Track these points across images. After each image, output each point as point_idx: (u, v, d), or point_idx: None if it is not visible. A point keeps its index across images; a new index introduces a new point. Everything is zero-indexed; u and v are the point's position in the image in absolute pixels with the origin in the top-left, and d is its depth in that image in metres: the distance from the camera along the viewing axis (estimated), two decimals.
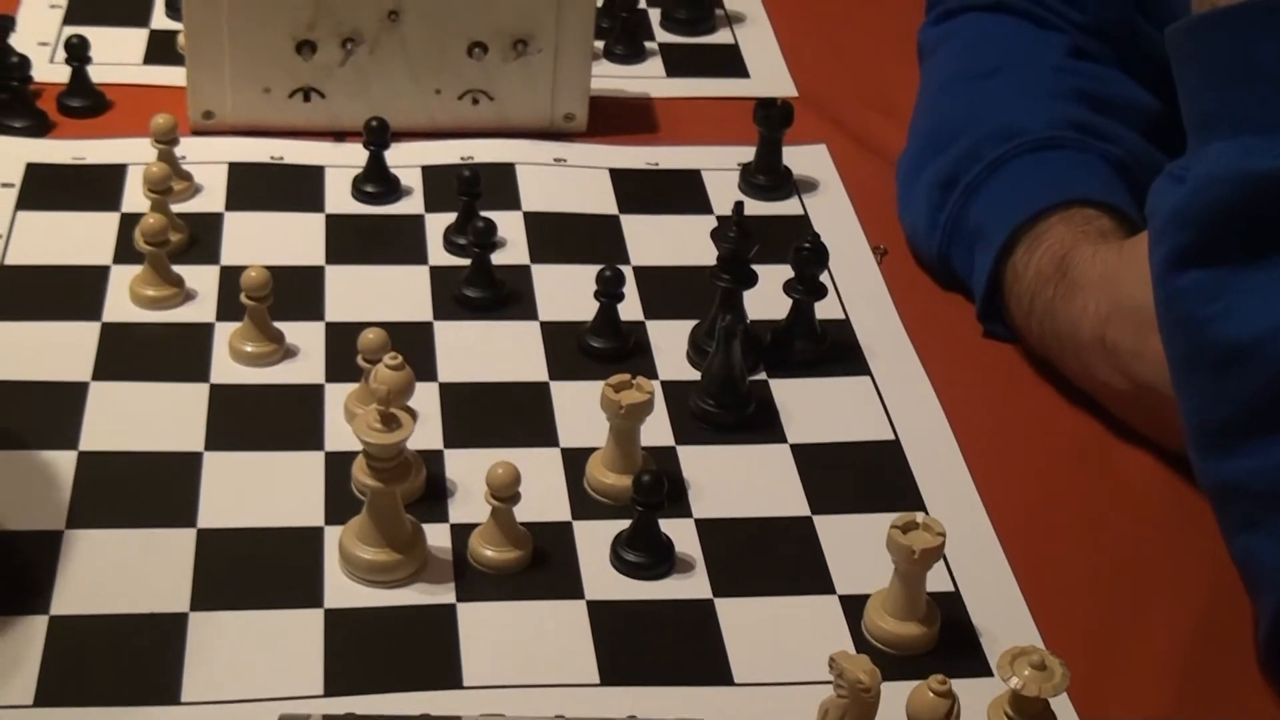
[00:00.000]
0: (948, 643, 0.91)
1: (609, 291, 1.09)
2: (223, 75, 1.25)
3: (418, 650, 0.88)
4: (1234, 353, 0.88)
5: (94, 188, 1.22)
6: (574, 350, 1.11)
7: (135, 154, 1.24)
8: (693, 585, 0.94)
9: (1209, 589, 0.98)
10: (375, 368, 0.95)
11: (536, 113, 1.31)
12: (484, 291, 1.13)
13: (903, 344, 1.16)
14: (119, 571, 0.91)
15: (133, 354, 1.07)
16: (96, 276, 1.13)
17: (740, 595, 0.94)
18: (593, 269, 1.14)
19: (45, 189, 1.21)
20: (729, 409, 1.06)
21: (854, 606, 0.93)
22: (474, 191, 1.17)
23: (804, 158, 1.33)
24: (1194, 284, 0.90)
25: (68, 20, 1.42)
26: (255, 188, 1.24)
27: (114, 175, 1.23)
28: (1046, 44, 1.27)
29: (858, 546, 0.98)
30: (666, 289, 1.19)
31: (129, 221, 1.17)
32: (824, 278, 1.13)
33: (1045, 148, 1.18)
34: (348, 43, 1.24)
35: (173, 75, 1.34)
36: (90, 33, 1.34)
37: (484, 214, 1.17)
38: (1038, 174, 1.17)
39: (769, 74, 1.47)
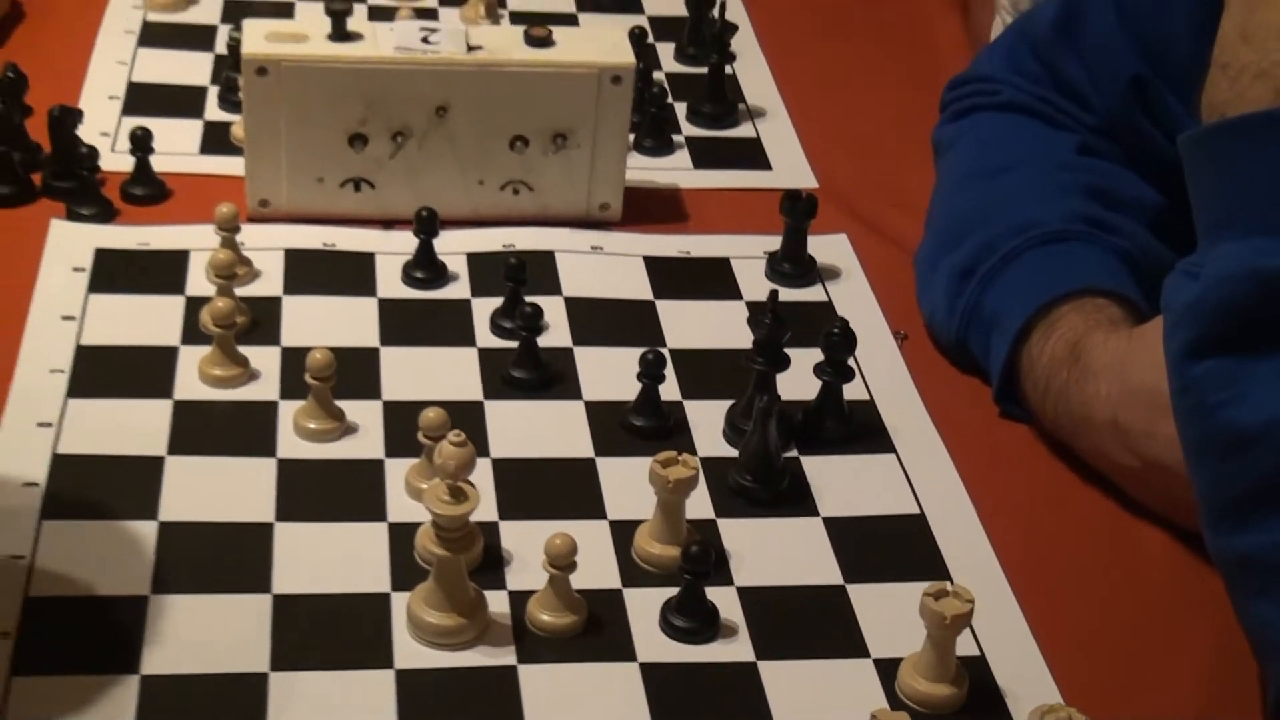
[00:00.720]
0: (975, 702, 0.95)
1: (651, 373, 1.13)
2: (279, 166, 1.28)
3: (484, 709, 0.92)
4: (1244, 437, 0.91)
5: (159, 272, 1.25)
6: (617, 428, 1.14)
7: (197, 240, 1.27)
8: (737, 649, 0.97)
9: (1219, 654, 1.00)
10: (439, 444, 0.97)
11: (574, 203, 1.34)
12: (531, 373, 1.16)
13: (925, 423, 1.19)
14: (203, 633, 0.94)
15: (204, 430, 1.10)
16: (166, 356, 1.16)
17: (781, 659, 0.97)
18: (631, 351, 1.18)
19: (114, 273, 1.24)
20: (765, 484, 1.09)
21: (888, 669, 0.97)
22: (520, 278, 1.21)
23: (826, 247, 1.36)
24: (1207, 373, 0.93)
25: (126, 111, 1.44)
26: (311, 273, 1.27)
27: (178, 260, 1.26)
28: (1056, 142, 1.30)
29: (889, 612, 1.01)
30: (702, 371, 1.21)
31: (193, 304, 1.20)
32: (850, 361, 1.15)
33: (1057, 240, 1.20)
34: (398, 136, 1.27)
35: (229, 165, 1.37)
36: (146, 123, 1.36)
37: (527, 299, 1.19)
38: (1050, 265, 1.19)
39: (790, 167, 1.49)
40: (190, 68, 1.53)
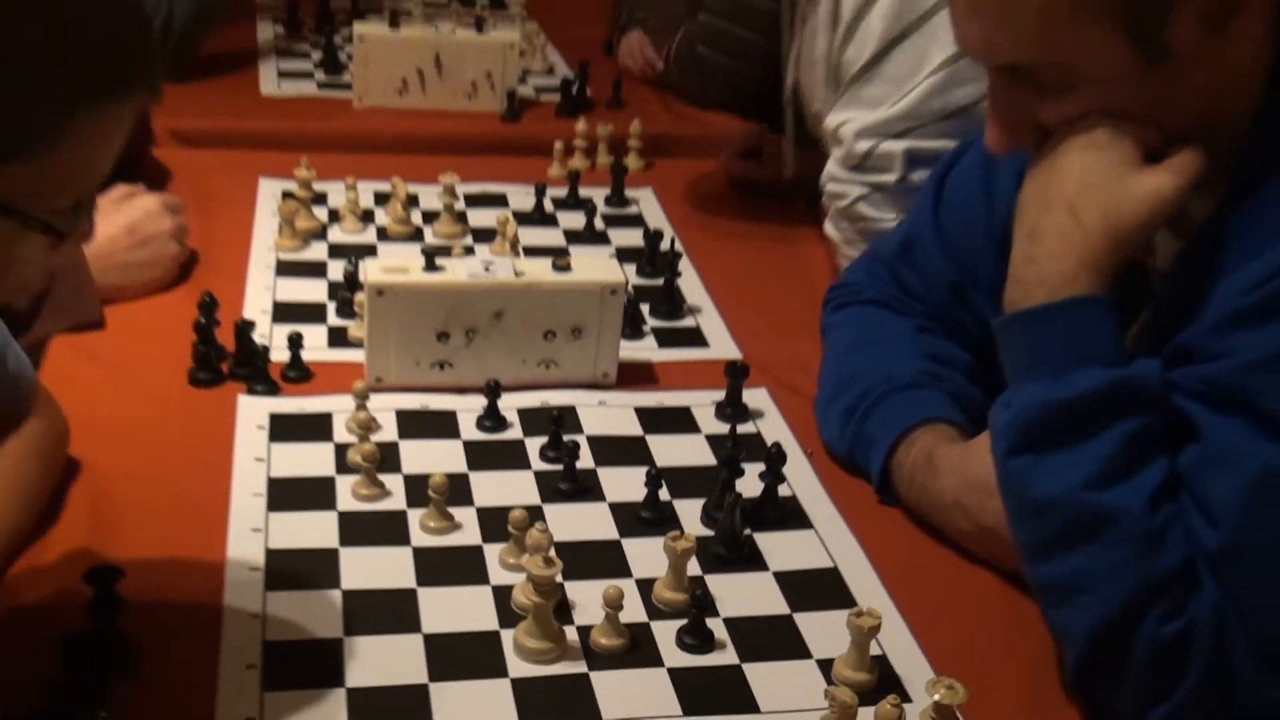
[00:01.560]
0: (883, 685, 1.03)
1: (651, 483, 1.21)
2: (389, 354, 1.35)
3: (569, 702, 1.01)
4: (1040, 505, 1.00)
5: (314, 427, 1.31)
6: (632, 519, 1.21)
7: (335, 406, 1.33)
8: (727, 656, 1.07)
9: (1044, 641, 1.07)
10: (527, 532, 1.07)
11: (586, 373, 1.40)
12: (572, 485, 1.24)
13: (830, 509, 1.25)
14: (381, 659, 1.03)
15: (360, 530, 1.17)
16: (327, 483, 1.23)
17: (756, 661, 1.06)
18: (634, 469, 1.25)
19: (284, 429, 1.30)
20: (734, 552, 1.17)
21: (825, 665, 1.05)
22: (560, 424, 1.29)
23: (753, 397, 1.41)
24: (1017, 466, 1.02)
25: (275, 319, 1.48)
26: (414, 425, 1.33)
27: (325, 420, 1.32)
28: (903, 325, 1.35)
29: (821, 629, 1.10)
30: (682, 480, 1.26)
31: (339, 449, 1.27)
32: (783, 470, 1.23)
33: (910, 388, 1.27)
34: (469, 333, 1.35)
35: (348, 355, 1.43)
36: (287, 329, 1.42)
37: (565, 437, 1.27)
38: (907, 404, 1.25)
39: (722, 344, 1.54)
40: (313, 289, 1.57)
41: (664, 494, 1.24)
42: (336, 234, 1.71)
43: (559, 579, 1.04)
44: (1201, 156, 1.01)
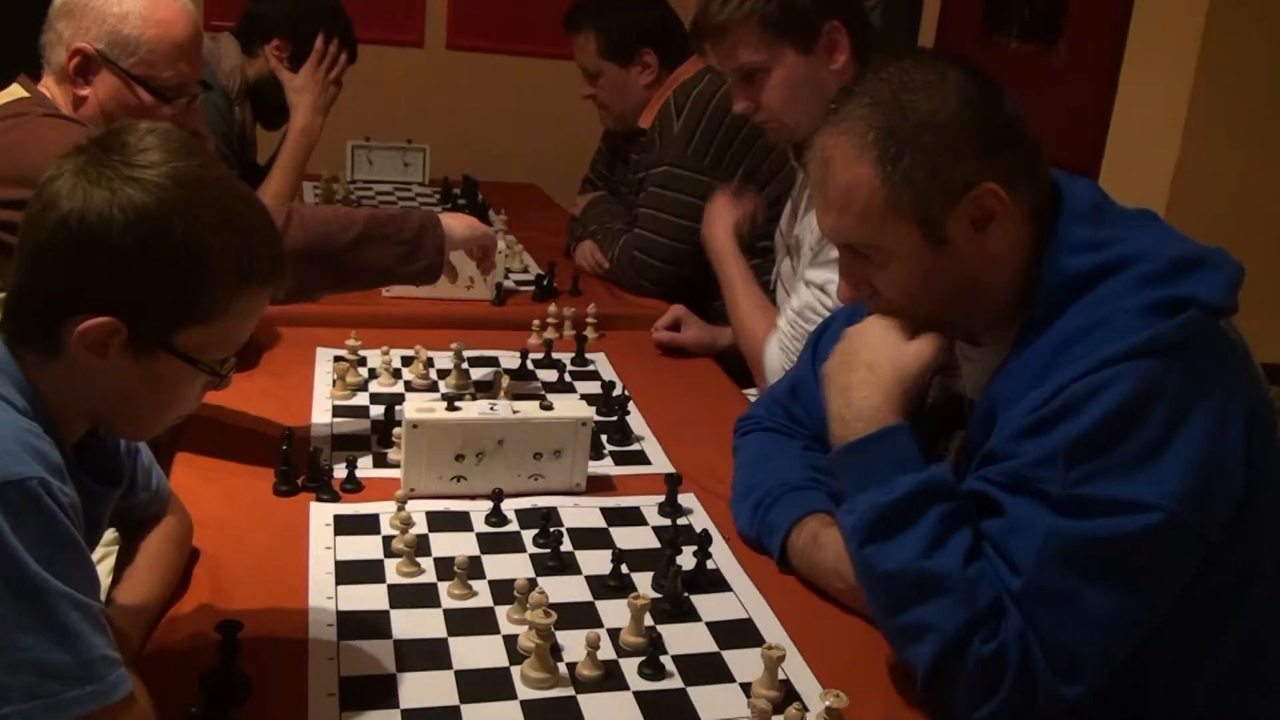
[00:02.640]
0: (788, 698, 1.09)
1: (616, 561, 1.28)
2: (421, 470, 1.41)
3: (564, 716, 1.06)
4: (887, 576, 1.08)
5: (365, 525, 1.35)
6: (601, 587, 1.26)
7: (382, 509, 1.38)
8: (675, 682, 1.12)
9: (901, 663, 1.13)
10: (530, 594, 1.13)
11: (563, 483, 1.46)
12: (557, 563, 1.30)
13: (743, 577, 1.31)
14: (424, 689, 1.07)
15: (405, 598, 1.21)
16: (378, 565, 1.27)
17: (696, 685, 1.11)
18: (602, 551, 1.31)
19: (345, 526, 1.34)
20: (676, 608, 1.23)
21: (745, 687, 1.11)
22: (550, 521, 1.35)
23: (686, 499, 1.47)
24: (866, 553, 1.09)
25: (334, 448, 1.52)
26: (439, 522, 1.37)
27: (374, 519, 1.36)
28: (793, 444, 1.43)
29: (742, 662, 1.15)
30: (637, 558, 1.31)
31: (385, 540, 1.32)
32: (710, 550, 1.29)
33: (800, 489, 1.33)
34: (479, 455, 1.42)
35: (389, 473, 1.48)
36: (344, 454, 1.47)
37: (551, 529, 1.33)
38: (798, 500, 1.32)
39: (660, 462, 1.59)
40: (359, 425, 1.63)
41: (624, 568, 1.29)
42: (375, 386, 1.78)
43: (553, 628, 1.11)
44: (939, 337, 1.14)
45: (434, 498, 1.44)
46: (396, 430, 1.54)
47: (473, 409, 1.45)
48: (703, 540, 1.30)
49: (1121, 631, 1.04)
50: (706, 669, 1.15)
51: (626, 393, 1.69)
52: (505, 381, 1.75)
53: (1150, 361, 1.03)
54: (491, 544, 1.36)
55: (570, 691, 1.10)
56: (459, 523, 1.40)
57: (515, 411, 1.45)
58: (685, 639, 1.19)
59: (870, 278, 1.17)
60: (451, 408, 1.44)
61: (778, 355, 1.76)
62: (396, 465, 1.51)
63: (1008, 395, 1.11)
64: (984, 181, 1.09)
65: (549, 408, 1.47)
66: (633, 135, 2.53)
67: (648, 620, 1.19)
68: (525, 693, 1.09)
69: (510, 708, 1.07)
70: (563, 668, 1.12)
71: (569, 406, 1.49)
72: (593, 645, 1.11)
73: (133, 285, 0.89)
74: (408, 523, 1.32)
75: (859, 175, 1.11)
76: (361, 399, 1.74)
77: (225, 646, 1.02)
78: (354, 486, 1.45)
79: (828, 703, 1.00)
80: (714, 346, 2.08)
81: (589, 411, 1.49)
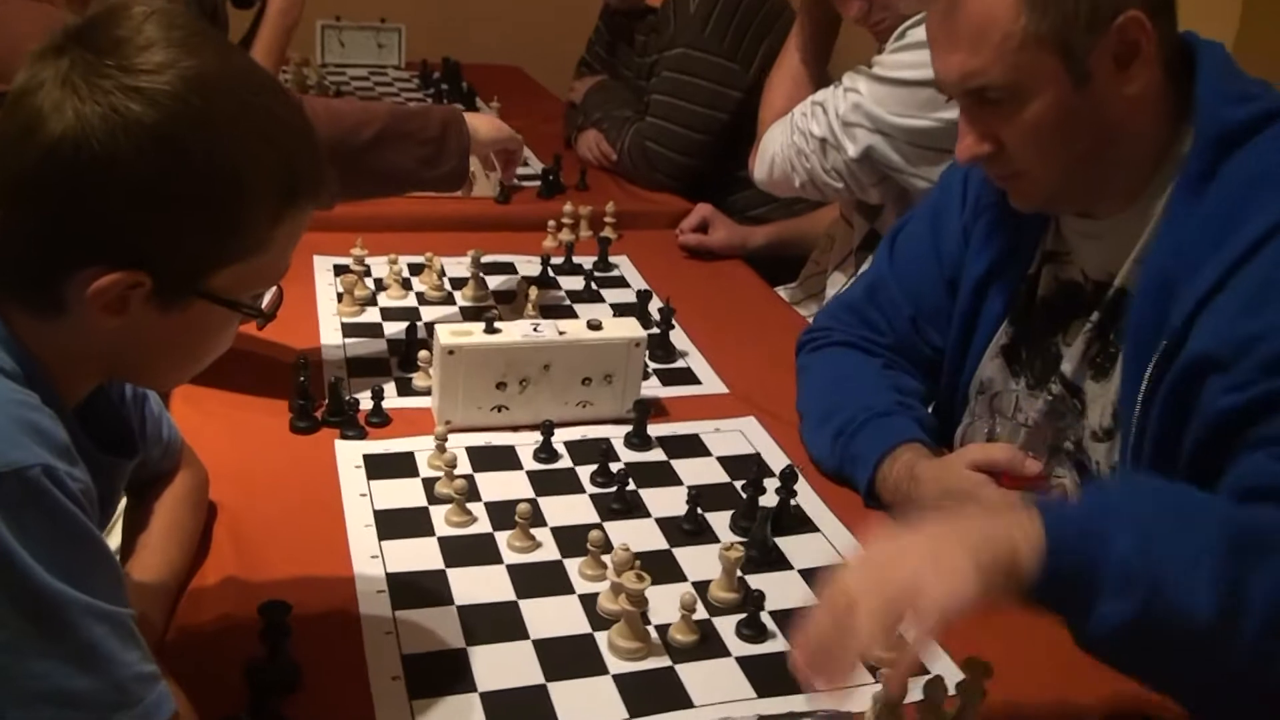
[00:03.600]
0: None
1: (693, 502, 1.15)
2: (456, 401, 1.26)
3: (666, 690, 0.93)
4: None
5: (401, 465, 1.20)
6: (676, 531, 1.14)
7: (415, 446, 1.24)
8: (779, 644, 1.00)
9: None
10: (615, 551, 1.00)
11: (614, 410, 1.32)
12: (622, 505, 1.16)
13: (828, 515, 1.19)
14: (500, 666, 0.94)
15: (460, 552, 1.08)
16: (423, 513, 1.13)
17: None
18: (667, 489, 1.19)
19: (378, 468, 1.20)
20: (765, 555, 1.11)
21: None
22: (610, 456, 1.23)
23: (745, 425, 1.35)
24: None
25: (350, 374, 1.37)
26: (483, 460, 1.23)
27: (409, 458, 1.22)
28: (872, 363, 1.30)
29: None
30: (708, 495, 1.17)
31: (426, 483, 1.17)
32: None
33: (885, 415, 1.21)
34: (523, 382, 1.27)
35: (416, 402, 1.33)
36: (361, 381, 1.34)
37: (614, 466, 1.20)
38: (887, 428, 1.20)
39: (711, 381, 1.46)
40: (375, 345, 1.46)
41: (699, 510, 1.15)
42: (384, 300, 1.60)
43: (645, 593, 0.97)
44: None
45: (472, 430, 1.29)
46: (423, 353, 1.37)
47: (514, 330, 1.28)
48: (787, 477, 1.16)
49: None
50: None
51: (670, 303, 1.53)
52: (533, 293, 1.58)
53: None
54: (545, 484, 1.21)
55: (665, 660, 0.97)
56: (505, 459, 1.25)
57: (562, 333, 1.29)
58: (779, 591, 1.06)
59: (998, 130, 1.05)
60: (490, 329, 1.27)
61: (776, 138, 1.67)
62: (424, 393, 1.36)
63: (1182, 263, 0.99)
64: (1130, 9, 1.00)
65: (597, 326, 1.31)
66: (638, 14, 2.32)
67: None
68: (616, 665, 0.96)
69: (602, 685, 0.94)
70: (651, 630, 0.99)
71: (620, 325, 1.34)
72: (687, 608, 0.99)
73: (152, 227, 0.71)
74: (454, 464, 1.17)
75: (997, 1, 1.01)
76: (372, 315, 1.56)
77: (271, 633, 0.86)
78: (381, 420, 1.29)
79: (971, 674, 0.88)
80: (744, 247, 1.92)
81: (640, 331, 1.33)
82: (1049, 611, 0.80)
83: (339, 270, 1.66)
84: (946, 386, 1.30)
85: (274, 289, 0.80)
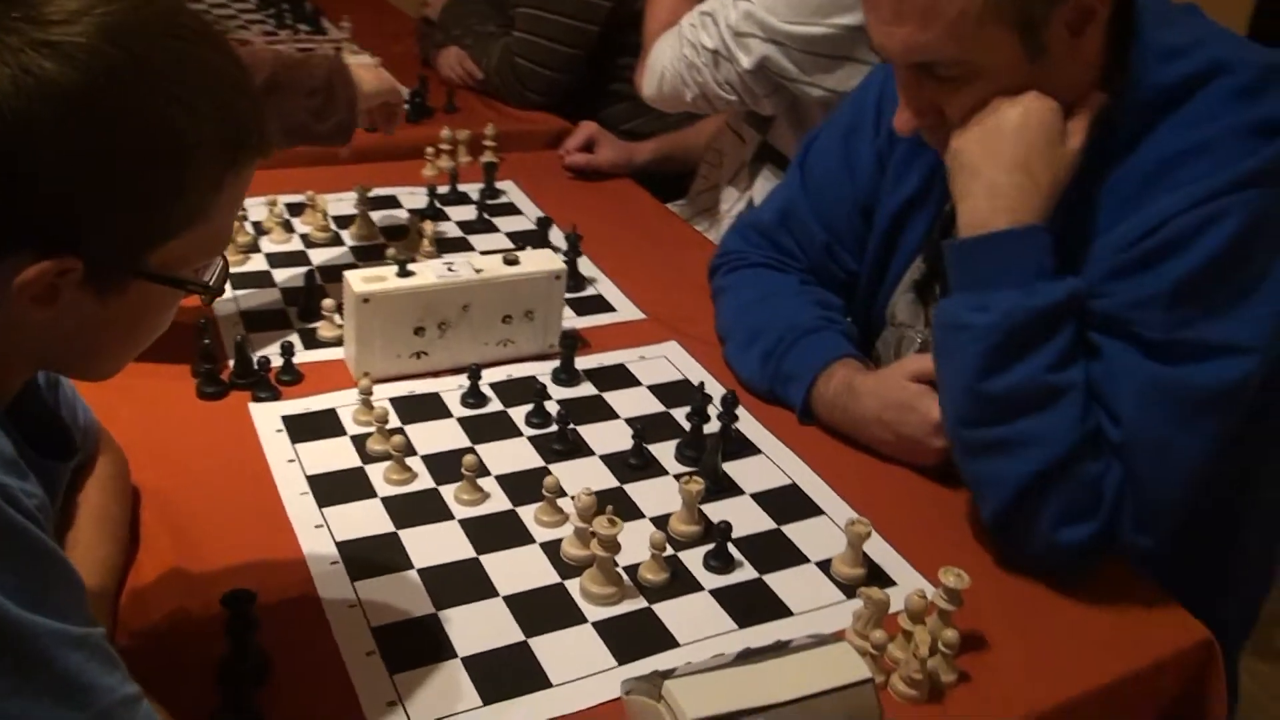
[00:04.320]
0: (872, 577, 0.99)
1: (638, 436, 1.11)
2: (374, 351, 1.19)
3: (644, 633, 0.91)
4: (1011, 386, 0.95)
5: (325, 425, 1.13)
6: (623, 467, 1.11)
7: (334, 402, 1.17)
8: (747, 572, 0.99)
9: (948, 506, 1.07)
10: (579, 496, 0.96)
11: (536, 346, 1.27)
12: (565, 445, 1.13)
13: (767, 436, 1.18)
14: (477, 626, 0.90)
15: (407, 512, 1.02)
16: (359, 474, 1.07)
17: (770, 572, 0.99)
18: (605, 424, 1.16)
19: (299, 429, 1.12)
20: (717, 484, 1.09)
21: (821, 566, 1.00)
22: (545, 394, 1.18)
23: (668, 350, 1.32)
24: (986, 354, 0.96)
25: (248, 329, 1.26)
26: (410, 410, 1.17)
27: (332, 416, 1.15)
28: (788, 281, 1.29)
29: (805, 536, 1.04)
30: (647, 426, 1.14)
31: (356, 440, 1.11)
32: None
33: (815, 331, 1.21)
34: (442, 325, 1.21)
35: (324, 354, 1.25)
36: (260, 337, 1.24)
37: (549, 406, 1.16)
38: (817, 345, 1.19)
39: (626, 308, 1.42)
40: (268, 298, 1.36)
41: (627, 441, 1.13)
42: (268, 244, 1.49)
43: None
44: (1087, 122, 0.99)
45: (391, 380, 1.22)
46: (327, 302, 1.29)
47: (428, 272, 1.22)
48: (729, 403, 1.15)
49: (1204, 479, 0.98)
50: (774, 551, 1.03)
51: (577, 230, 1.48)
52: (428, 227, 1.50)
53: (1256, 192, 0.93)
54: (479, 430, 1.17)
55: (641, 602, 0.96)
56: (432, 408, 1.20)
57: (478, 270, 1.23)
58: (736, 519, 1.04)
59: (941, 102, 1.00)
60: (404, 272, 1.20)
61: (665, 52, 1.62)
62: (332, 344, 1.28)
63: (1088, 225, 1.00)
64: None
65: (514, 261, 1.25)
66: None
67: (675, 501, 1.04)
68: (593, 612, 0.94)
69: (584, 634, 0.92)
70: (620, 573, 0.97)
71: (536, 259, 1.28)
72: (658, 547, 0.97)
73: (80, 204, 0.62)
74: (384, 420, 1.11)
75: None
76: (258, 262, 1.46)
77: (238, 625, 0.80)
78: (293, 377, 1.21)
79: (948, 582, 0.90)
80: (631, 164, 1.87)
81: (559, 262, 1.28)
82: None
83: None
84: (861, 309, 1.30)
85: (218, 260, 0.73)
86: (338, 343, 1.28)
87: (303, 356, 1.25)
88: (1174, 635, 0.95)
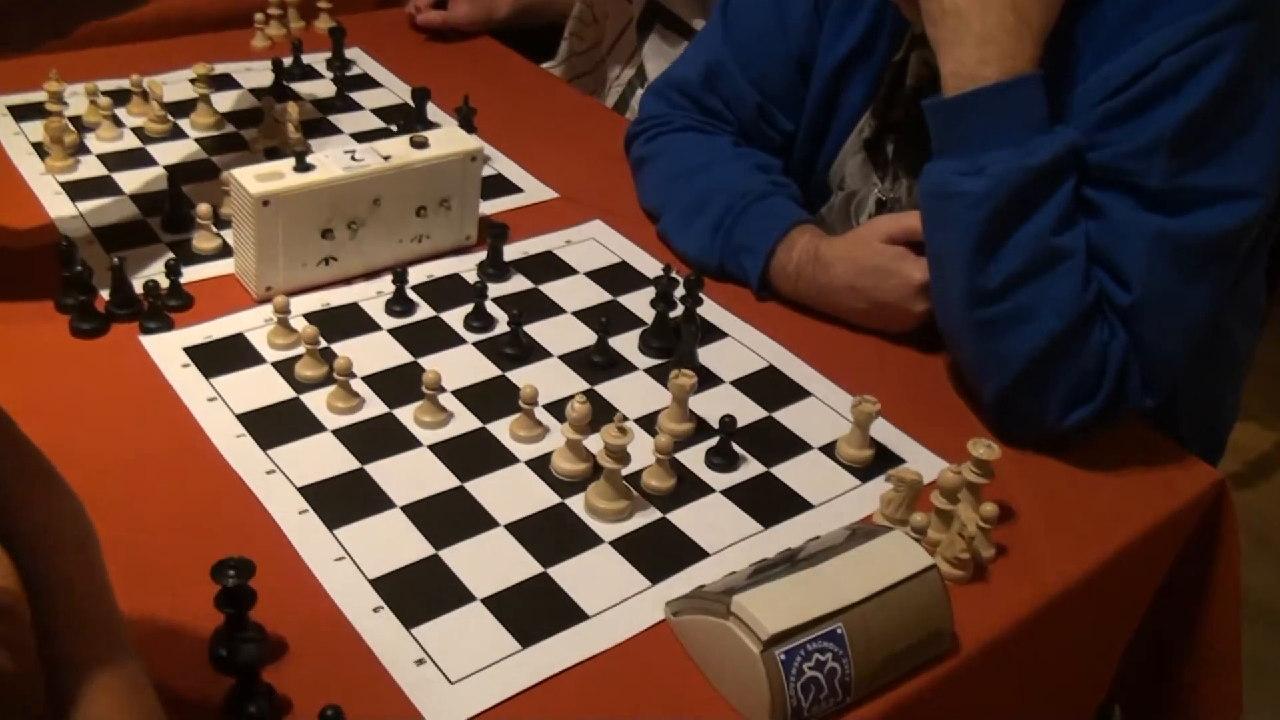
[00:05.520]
0: (880, 458, 0.98)
1: (602, 330, 1.06)
2: (277, 262, 1.08)
3: (668, 546, 0.88)
4: (1010, 248, 0.94)
5: (236, 352, 1.02)
6: (588, 366, 1.05)
7: (240, 325, 1.05)
8: (754, 467, 0.97)
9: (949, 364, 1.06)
10: (570, 404, 0.90)
11: (452, 240, 1.19)
12: (517, 349, 1.06)
13: (728, 316, 1.14)
14: (491, 562, 0.85)
15: (369, 443, 0.94)
16: (294, 405, 0.97)
17: (777, 464, 0.97)
18: (554, 319, 1.10)
19: (209, 361, 1.01)
20: (695, 374, 1.01)
21: (825, 450, 0.99)
22: (484, 294, 1.09)
23: (592, 229, 1.26)
24: (987, 220, 0.94)
25: (106, 248, 1.12)
26: (330, 325, 1.06)
27: (240, 342, 1.03)
28: (721, 143, 1.24)
29: (800, 420, 1.01)
30: (601, 318, 1.08)
31: (280, 367, 1.01)
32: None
33: (765, 197, 1.17)
34: (352, 224, 1.11)
35: (210, 269, 1.12)
36: (131, 254, 1.09)
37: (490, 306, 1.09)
38: (770, 213, 1.15)
39: (532, 187, 1.34)
40: (123, 211, 1.19)
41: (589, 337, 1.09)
42: (97, 144, 1.31)
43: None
44: None
45: (299, 293, 1.12)
46: (202, 207, 1.15)
47: (331, 165, 1.10)
48: (693, 285, 1.10)
49: (1206, 328, 1.01)
50: (773, 441, 1.01)
51: (470, 103, 1.37)
52: (292, 110, 1.35)
53: (1249, 24, 0.93)
54: (416, 342, 1.08)
55: (653, 513, 0.92)
56: (356, 321, 1.10)
57: (386, 157, 1.12)
58: (724, 410, 1.00)
59: None
60: (302, 166, 1.08)
61: None
62: (212, 257, 1.16)
63: (1066, 71, 0.98)
64: None
65: (423, 144, 1.15)
66: None
67: (662, 398, 1.01)
68: (607, 531, 0.90)
69: (605, 556, 0.87)
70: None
71: (448, 138, 1.18)
72: (664, 451, 0.93)
73: None
74: (315, 340, 1.01)
75: None
76: (92, 166, 1.28)
77: (234, 599, 0.71)
78: (182, 302, 1.08)
79: (978, 453, 0.90)
80: (490, 21, 1.74)
81: (474, 141, 1.18)
82: None
83: (19, 113, 1.35)
84: (799, 173, 1.26)
85: None
86: (219, 255, 1.15)
87: (185, 274, 1.11)
88: (1189, 483, 0.99)
